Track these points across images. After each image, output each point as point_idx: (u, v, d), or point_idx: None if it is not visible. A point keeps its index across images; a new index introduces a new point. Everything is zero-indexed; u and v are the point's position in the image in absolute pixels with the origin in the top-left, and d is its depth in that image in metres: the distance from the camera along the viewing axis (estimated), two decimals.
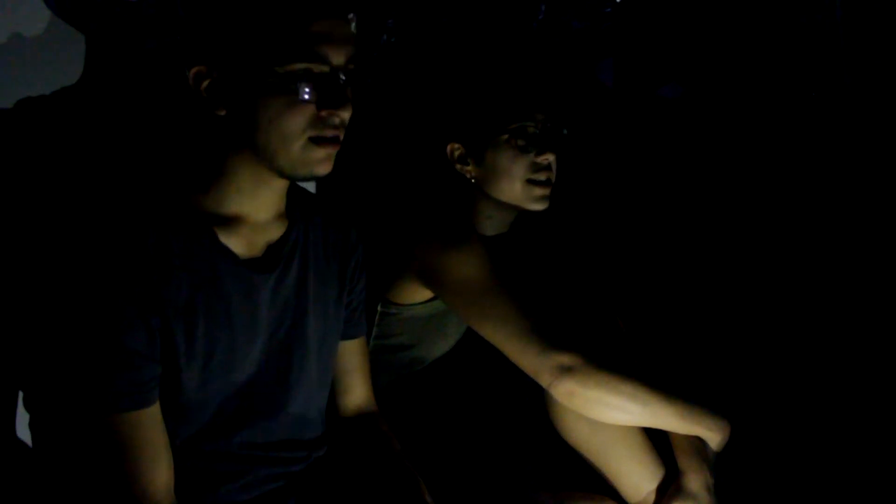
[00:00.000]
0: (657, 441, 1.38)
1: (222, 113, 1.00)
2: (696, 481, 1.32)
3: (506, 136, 1.43)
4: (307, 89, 0.96)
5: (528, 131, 1.43)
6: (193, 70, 0.99)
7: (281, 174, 1.02)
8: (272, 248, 1.10)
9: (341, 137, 1.02)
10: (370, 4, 1.74)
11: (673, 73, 2.06)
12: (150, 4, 1.28)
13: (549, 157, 1.44)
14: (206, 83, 0.99)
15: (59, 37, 1.27)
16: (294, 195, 1.15)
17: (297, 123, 0.97)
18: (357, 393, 1.28)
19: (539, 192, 1.45)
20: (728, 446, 1.39)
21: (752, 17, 2.05)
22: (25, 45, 1.23)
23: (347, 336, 1.26)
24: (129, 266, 0.95)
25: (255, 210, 1.07)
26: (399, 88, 1.82)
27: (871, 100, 1.98)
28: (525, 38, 1.95)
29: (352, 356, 1.27)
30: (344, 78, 0.99)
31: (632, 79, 2.05)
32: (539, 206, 1.46)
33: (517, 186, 1.44)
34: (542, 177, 1.44)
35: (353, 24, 1.03)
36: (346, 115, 1.00)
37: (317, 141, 0.99)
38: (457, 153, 1.47)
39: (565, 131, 1.48)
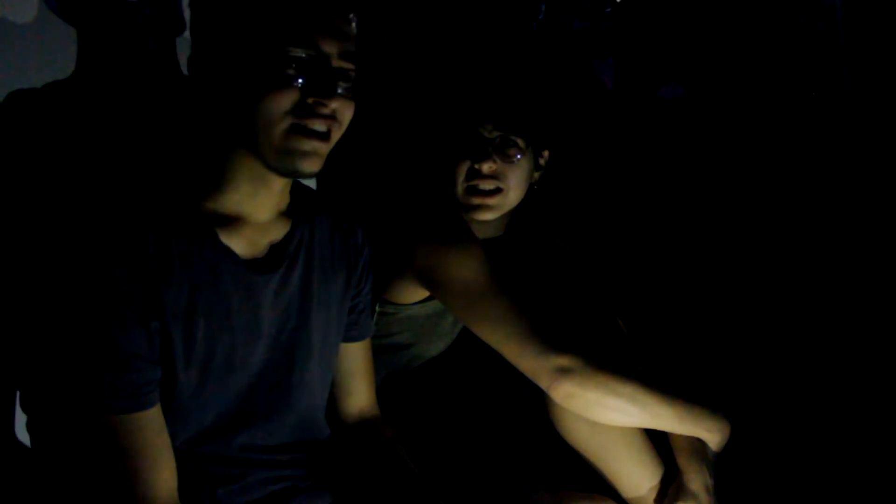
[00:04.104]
0: (657, 441, 1.38)
1: (217, 97, 0.99)
2: (695, 481, 1.32)
3: (448, 143, 1.42)
4: (291, 72, 0.96)
5: (469, 138, 1.41)
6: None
7: (267, 166, 1.00)
8: (275, 248, 1.10)
9: (332, 135, 1.01)
10: (370, 3, 1.74)
11: (673, 73, 2.06)
12: (149, 4, 1.28)
13: (485, 167, 1.40)
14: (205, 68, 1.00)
15: (59, 37, 1.27)
16: (299, 194, 1.15)
17: (279, 106, 0.96)
18: (359, 396, 1.28)
19: (475, 200, 1.41)
20: (728, 446, 1.39)
21: (752, 18, 2.05)
22: (25, 45, 1.23)
23: (353, 338, 1.25)
24: (128, 268, 0.94)
25: (256, 210, 1.06)
26: (396, 87, 1.82)
27: (871, 100, 1.98)
28: (525, 38, 1.95)
29: (356, 358, 1.27)
30: (335, 68, 0.99)
31: (632, 79, 2.05)
32: (478, 216, 1.43)
33: (459, 192, 1.43)
34: (486, 185, 1.41)
35: (354, 24, 1.03)
36: (334, 105, 0.99)
37: (302, 131, 0.98)
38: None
39: (519, 142, 1.41)
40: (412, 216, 1.44)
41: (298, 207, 1.14)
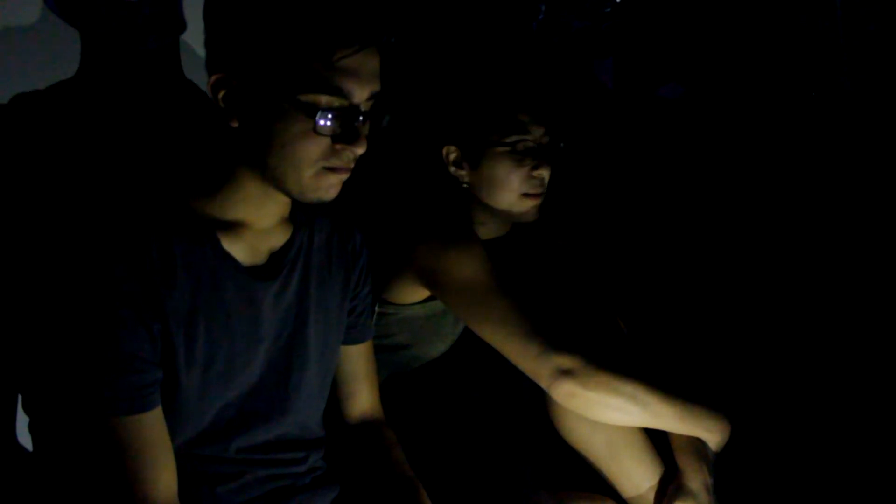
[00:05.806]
0: (657, 441, 1.38)
1: (235, 125, 0.98)
2: (695, 481, 1.32)
3: (503, 149, 1.42)
4: (326, 122, 0.95)
5: (527, 145, 1.42)
6: (214, 76, 0.97)
7: (288, 195, 1.02)
8: (275, 256, 1.10)
9: (352, 166, 1.02)
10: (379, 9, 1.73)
11: (673, 73, 2.06)
12: (149, 4, 1.28)
13: (545, 173, 1.43)
14: (223, 92, 0.97)
15: (59, 37, 1.27)
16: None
17: (310, 153, 0.97)
18: (362, 398, 1.28)
19: (532, 203, 1.44)
20: (728, 446, 1.39)
21: (751, 17, 2.05)
22: (25, 46, 1.23)
23: (353, 340, 1.25)
24: (130, 269, 0.94)
25: (260, 217, 1.06)
26: (398, 88, 1.82)
27: (871, 100, 1.98)
28: (525, 39, 1.95)
29: (357, 361, 1.27)
30: (364, 112, 0.99)
31: (632, 79, 2.06)
32: (531, 218, 1.46)
33: (512, 198, 1.43)
34: (536, 189, 1.44)
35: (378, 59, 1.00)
36: (360, 151, 0.99)
37: (329, 170, 0.99)
38: (452, 156, 1.47)
39: (562, 144, 1.46)
40: (413, 216, 1.44)
41: (298, 213, 1.14)
